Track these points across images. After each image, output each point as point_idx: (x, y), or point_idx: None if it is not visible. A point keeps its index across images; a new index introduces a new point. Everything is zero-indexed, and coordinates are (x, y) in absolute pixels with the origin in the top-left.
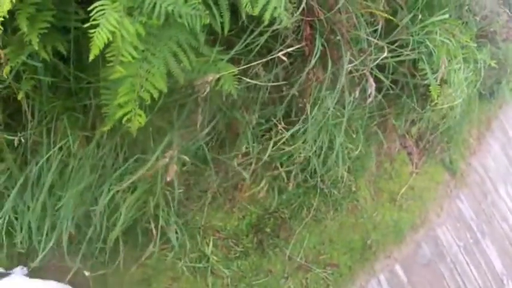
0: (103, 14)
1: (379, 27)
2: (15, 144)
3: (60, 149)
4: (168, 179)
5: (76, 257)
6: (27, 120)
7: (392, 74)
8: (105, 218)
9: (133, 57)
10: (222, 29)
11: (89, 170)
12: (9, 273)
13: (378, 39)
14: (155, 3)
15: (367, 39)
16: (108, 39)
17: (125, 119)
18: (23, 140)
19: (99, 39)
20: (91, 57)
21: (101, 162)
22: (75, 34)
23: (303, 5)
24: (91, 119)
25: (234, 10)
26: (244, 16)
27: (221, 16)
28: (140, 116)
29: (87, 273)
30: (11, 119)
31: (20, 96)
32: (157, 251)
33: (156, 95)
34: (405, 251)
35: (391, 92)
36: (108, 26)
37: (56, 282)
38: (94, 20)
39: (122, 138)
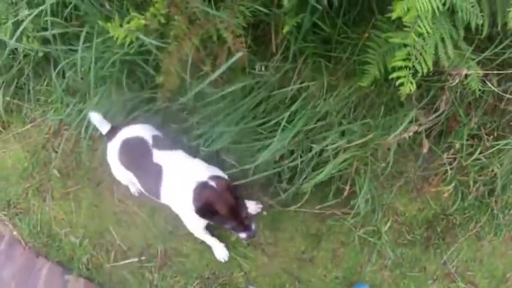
0: None
1: None
2: (257, 70)
3: (301, 88)
4: (424, 151)
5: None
6: (267, 50)
7: None
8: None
9: (426, 30)
10: (477, 30)
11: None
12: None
13: None
14: None
15: None
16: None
17: (398, 82)
18: (263, 69)
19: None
20: (394, 16)
21: (334, 112)
22: None
23: None
24: (339, 71)
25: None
26: (499, 26)
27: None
28: (412, 83)
29: (264, 213)
30: (254, 44)
31: (285, 30)
32: (339, 214)
33: (425, 70)
34: None
35: None
36: None
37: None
38: None
39: (357, 98)
